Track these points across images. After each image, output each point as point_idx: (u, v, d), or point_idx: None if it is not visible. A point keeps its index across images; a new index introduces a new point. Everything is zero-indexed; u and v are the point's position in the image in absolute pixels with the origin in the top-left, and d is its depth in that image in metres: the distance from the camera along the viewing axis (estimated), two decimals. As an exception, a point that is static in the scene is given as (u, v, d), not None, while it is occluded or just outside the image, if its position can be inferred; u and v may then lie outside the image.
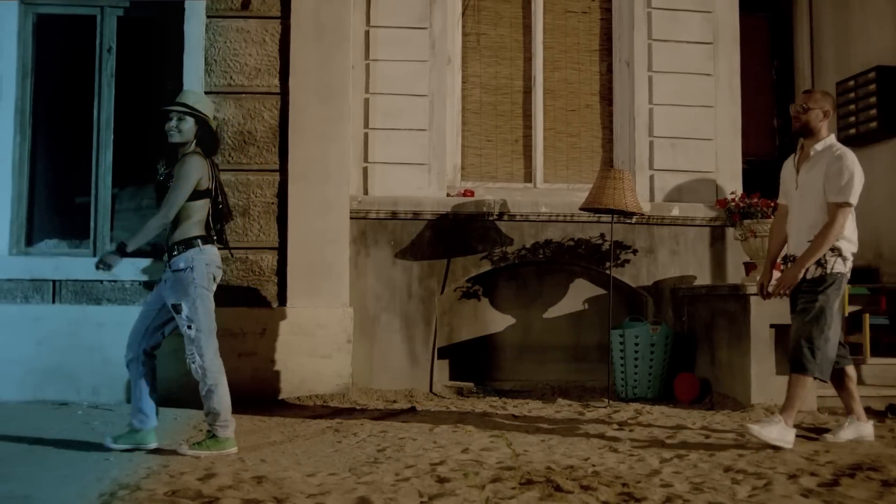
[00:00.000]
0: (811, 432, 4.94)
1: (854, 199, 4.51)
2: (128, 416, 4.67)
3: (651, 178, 6.70)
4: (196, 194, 4.32)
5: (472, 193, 6.58)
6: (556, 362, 6.64)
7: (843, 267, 4.58)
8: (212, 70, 6.21)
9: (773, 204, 5.99)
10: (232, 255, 4.23)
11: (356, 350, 6.23)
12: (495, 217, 6.52)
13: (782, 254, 4.86)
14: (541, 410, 5.75)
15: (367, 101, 6.53)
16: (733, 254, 6.67)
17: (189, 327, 4.27)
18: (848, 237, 4.60)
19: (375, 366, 6.37)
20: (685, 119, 6.74)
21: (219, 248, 4.46)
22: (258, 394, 6.01)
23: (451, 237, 6.50)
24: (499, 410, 5.74)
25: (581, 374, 6.59)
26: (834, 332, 4.55)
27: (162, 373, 4.59)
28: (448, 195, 6.58)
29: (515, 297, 6.70)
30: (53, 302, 6.09)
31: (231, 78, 6.23)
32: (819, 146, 4.67)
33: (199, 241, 4.31)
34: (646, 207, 6.42)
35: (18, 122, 6.22)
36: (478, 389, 6.49)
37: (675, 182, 6.73)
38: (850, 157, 4.59)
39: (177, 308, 4.28)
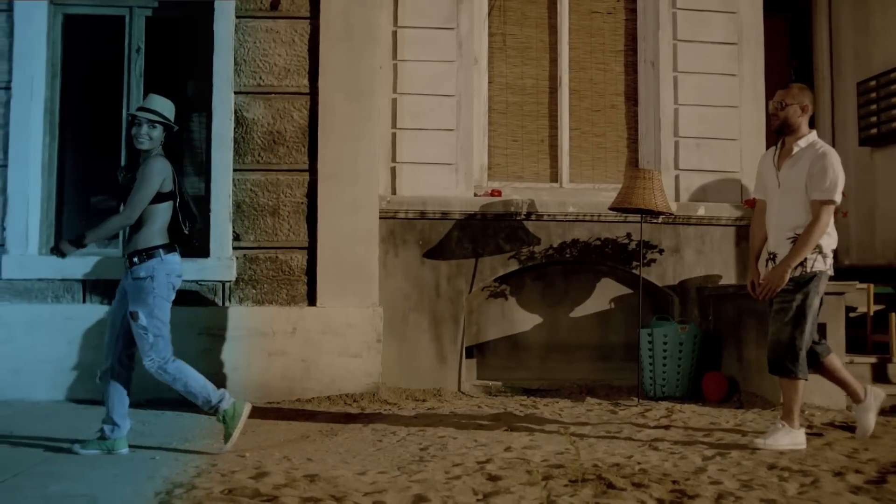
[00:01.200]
0: (846, 430, 4.97)
1: (838, 198, 4.45)
2: (159, 416, 4.71)
3: (676, 178, 6.73)
4: (159, 196, 4.33)
5: (500, 193, 6.60)
6: (583, 361, 6.67)
7: (823, 265, 4.52)
8: (241, 70, 6.23)
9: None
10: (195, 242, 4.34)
11: (385, 349, 6.25)
12: (523, 217, 6.54)
13: (764, 251, 4.79)
14: (572, 409, 5.78)
15: (394, 101, 6.55)
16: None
17: (145, 334, 4.29)
18: (829, 234, 4.53)
19: (404, 365, 6.40)
20: (710, 119, 6.77)
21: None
22: (288, 393, 6.04)
23: (479, 237, 6.53)
24: (530, 409, 5.77)
25: (607, 373, 6.62)
26: (810, 332, 4.50)
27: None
28: (475, 195, 6.61)
29: (542, 296, 6.72)
30: (84, 302, 6.10)
31: (260, 78, 6.24)
32: (802, 142, 4.60)
33: (160, 250, 4.33)
34: (672, 207, 6.45)
35: (48, 122, 6.23)
36: (505, 388, 6.51)
37: (701, 182, 6.76)
38: (833, 154, 4.54)
39: (134, 315, 4.31)
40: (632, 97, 6.96)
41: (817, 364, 4.67)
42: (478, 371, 6.68)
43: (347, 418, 5.42)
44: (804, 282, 4.49)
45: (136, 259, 4.32)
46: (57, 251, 4.32)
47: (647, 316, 6.58)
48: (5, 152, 6.10)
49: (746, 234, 6.74)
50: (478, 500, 3.44)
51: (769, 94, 6.98)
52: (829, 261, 4.57)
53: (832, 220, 4.53)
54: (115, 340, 4.44)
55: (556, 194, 6.75)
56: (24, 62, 6.12)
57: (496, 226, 6.55)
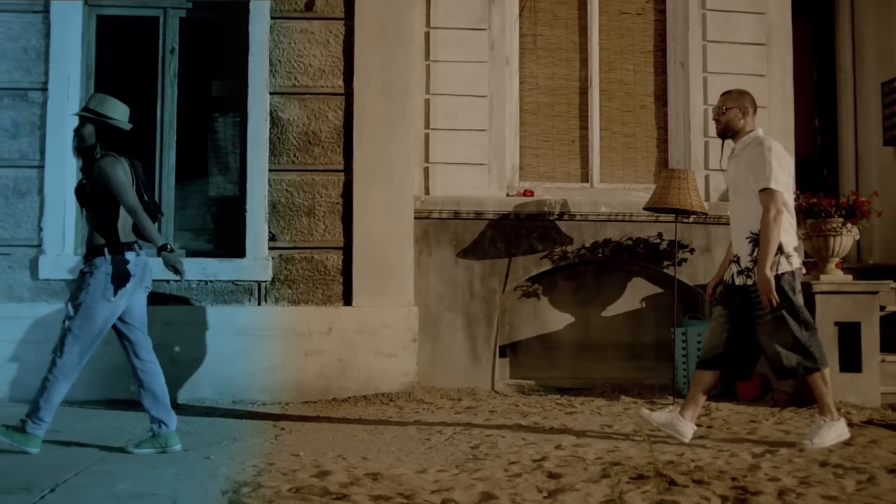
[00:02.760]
0: (886, 428, 5.01)
1: (777, 185, 4.41)
2: (198, 417, 4.71)
3: (706, 178, 6.78)
4: (109, 197, 4.31)
5: (532, 193, 6.64)
6: (615, 360, 6.71)
7: (788, 265, 4.48)
8: (276, 71, 6.25)
9: (835, 203, 6.08)
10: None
11: (419, 349, 6.28)
12: (556, 217, 6.58)
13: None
14: (609, 408, 5.82)
15: (427, 101, 6.59)
16: (787, 253, 6.73)
17: (65, 322, 4.30)
18: (787, 231, 4.51)
19: (438, 364, 6.43)
20: (739, 119, 6.80)
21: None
22: (324, 392, 6.07)
23: (512, 237, 6.56)
24: (569, 408, 5.80)
25: (639, 372, 6.66)
26: (810, 324, 4.48)
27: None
28: (507, 195, 6.64)
29: (574, 295, 6.76)
30: (120, 302, 6.10)
31: (295, 79, 6.26)
32: (745, 140, 4.63)
33: (106, 248, 4.30)
34: (705, 207, 6.48)
35: (82, 123, 6.23)
36: (539, 387, 6.55)
37: (730, 182, 6.79)
38: (771, 144, 4.53)
39: (68, 301, 4.34)
40: (661, 98, 7.00)
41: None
42: (510, 370, 6.71)
43: (389, 417, 5.45)
44: (779, 288, 4.43)
45: (87, 254, 4.35)
46: (175, 271, 4.34)
47: (678, 315, 6.61)
48: (42, 153, 6.11)
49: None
50: (544, 497, 3.48)
51: (797, 95, 7.10)
52: (795, 259, 4.52)
53: (789, 216, 4.51)
54: (122, 342, 4.48)
55: (587, 194, 6.79)
56: (60, 63, 6.13)
57: (529, 226, 6.58)
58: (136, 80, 6.43)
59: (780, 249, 4.47)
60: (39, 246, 6.08)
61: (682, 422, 4.63)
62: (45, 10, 6.15)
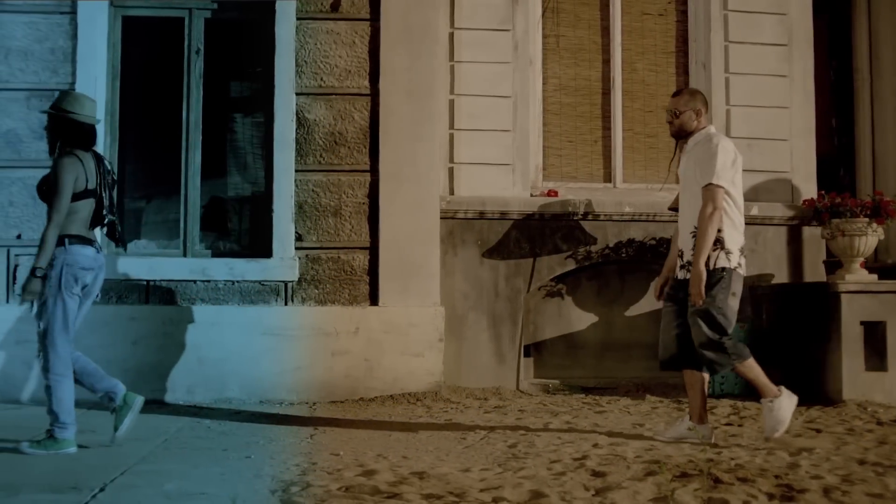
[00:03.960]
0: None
1: (721, 181, 4.41)
2: (228, 418, 4.69)
3: (727, 177, 6.80)
4: (76, 195, 4.29)
5: (557, 193, 6.67)
6: (638, 360, 6.72)
7: (727, 261, 4.48)
8: (302, 71, 6.27)
9: (860, 203, 6.12)
10: (125, 249, 4.27)
11: (444, 348, 6.30)
12: (580, 217, 6.61)
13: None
14: (636, 407, 5.85)
15: (451, 102, 6.62)
16: (809, 253, 6.81)
17: (38, 323, 4.29)
18: (731, 228, 4.51)
19: (463, 364, 6.46)
20: (761, 120, 6.85)
21: (116, 244, 4.36)
22: (351, 392, 6.09)
23: (536, 237, 6.59)
24: (596, 407, 5.83)
25: (663, 371, 6.66)
26: (729, 323, 4.52)
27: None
28: (531, 195, 6.67)
29: (598, 295, 6.79)
30: (147, 302, 6.13)
31: (321, 79, 6.28)
32: (697, 136, 4.65)
33: (66, 240, 4.28)
34: (726, 207, 6.51)
35: (108, 124, 6.25)
36: (563, 387, 6.57)
37: (752, 182, 6.81)
38: (720, 140, 4.55)
39: (34, 301, 4.31)
40: (683, 98, 7.01)
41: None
42: (535, 370, 6.74)
43: (420, 417, 5.47)
44: (711, 283, 4.46)
45: None
46: (29, 293, 4.25)
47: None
48: (69, 153, 6.11)
49: (798, 233, 6.86)
50: (592, 495, 3.49)
51: (818, 95, 7.14)
52: (735, 257, 4.51)
53: (737, 212, 4.54)
54: None
55: (610, 194, 6.82)
56: (87, 64, 6.14)
57: (553, 226, 6.61)
58: (161, 80, 6.46)
59: (722, 245, 4.49)
60: (67, 246, 6.08)
61: (701, 427, 4.63)
62: (72, 12, 6.15)
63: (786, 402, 4.55)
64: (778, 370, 6.30)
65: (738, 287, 4.56)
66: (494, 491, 3.49)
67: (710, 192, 4.45)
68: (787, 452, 4.32)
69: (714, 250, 4.47)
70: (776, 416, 4.52)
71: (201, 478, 3.80)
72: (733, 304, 4.54)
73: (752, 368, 4.60)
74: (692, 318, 4.53)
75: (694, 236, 4.55)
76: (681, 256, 4.69)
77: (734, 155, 4.57)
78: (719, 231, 4.48)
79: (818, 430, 4.96)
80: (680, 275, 4.68)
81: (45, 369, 4.30)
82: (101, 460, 4.12)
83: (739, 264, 4.55)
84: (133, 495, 3.49)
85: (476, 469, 3.91)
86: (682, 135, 4.74)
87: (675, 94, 4.85)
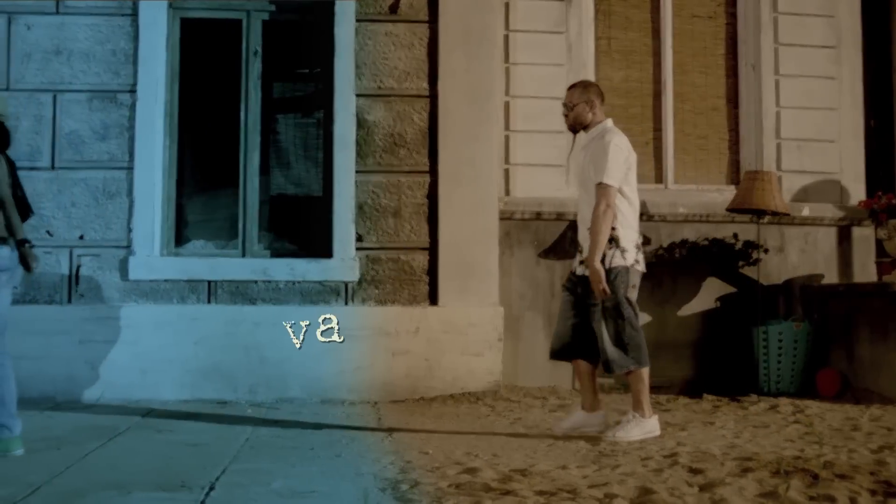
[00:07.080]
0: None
1: (609, 180, 4.47)
2: (295, 415, 4.56)
3: (779, 179, 6.87)
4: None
5: (611, 194, 6.71)
6: (691, 358, 6.79)
7: (622, 259, 4.54)
8: (362, 73, 6.31)
9: (917, 204, 6.20)
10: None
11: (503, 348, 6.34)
12: (634, 217, 6.66)
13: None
14: (697, 405, 5.91)
15: (507, 104, 6.67)
16: (859, 253, 6.89)
17: None
18: (625, 225, 4.56)
19: (520, 364, 6.51)
20: (810, 121, 6.92)
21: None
22: (412, 391, 6.13)
23: (591, 237, 6.63)
24: (656, 406, 5.86)
25: (715, 369, 6.74)
26: (633, 322, 4.59)
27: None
28: (586, 196, 6.72)
29: (650, 295, 6.79)
30: (209, 302, 6.16)
31: (381, 81, 6.32)
32: (594, 132, 4.71)
33: None
34: (787, 208, 6.58)
35: (168, 125, 6.28)
36: (618, 385, 6.62)
37: (802, 183, 6.91)
38: (613, 137, 4.59)
39: None
40: (733, 100, 7.10)
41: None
42: (589, 369, 6.77)
43: (486, 416, 5.51)
44: (609, 281, 4.52)
45: None
46: (27, 267, 4.29)
47: (753, 314, 6.71)
48: (131, 155, 6.15)
49: (848, 234, 6.93)
50: (698, 490, 3.55)
51: (867, 96, 7.21)
52: (631, 255, 4.57)
53: (631, 210, 4.59)
54: None
55: (662, 195, 6.88)
56: (148, 65, 6.17)
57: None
58: (219, 82, 6.50)
59: (617, 244, 4.55)
60: (129, 247, 6.12)
61: (592, 416, 4.78)
62: (133, 14, 6.18)
63: (649, 426, 4.61)
64: (836, 369, 6.41)
65: (636, 279, 4.64)
66: (603, 487, 3.54)
67: (601, 190, 4.52)
68: (867, 450, 4.38)
69: (609, 248, 4.54)
70: (631, 428, 4.57)
71: (304, 476, 3.83)
72: (633, 295, 4.62)
73: (643, 380, 4.66)
74: (599, 315, 4.59)
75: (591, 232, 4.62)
76: (580, 252, 4.76)
77: (627, 153, 4.63)
78: (613, 229, 4.55)
79: (889, 429, 5.02)
80: (578, 270, 4.74)
81: None
82: (194, 460, 4.14)
83: (637, 260, 4.63)
84: (245, 493, 3.52)
85: (573, 466, 3.96)
86: (577, 128, 4.81)
87: (570, 88, 4.90)
